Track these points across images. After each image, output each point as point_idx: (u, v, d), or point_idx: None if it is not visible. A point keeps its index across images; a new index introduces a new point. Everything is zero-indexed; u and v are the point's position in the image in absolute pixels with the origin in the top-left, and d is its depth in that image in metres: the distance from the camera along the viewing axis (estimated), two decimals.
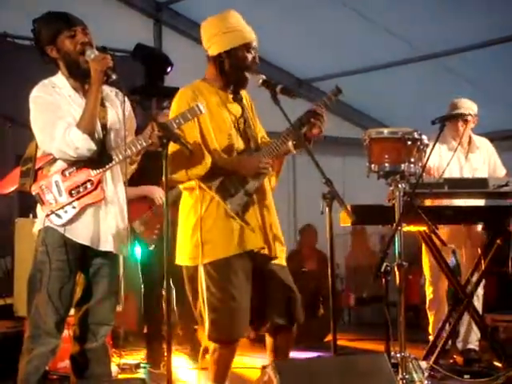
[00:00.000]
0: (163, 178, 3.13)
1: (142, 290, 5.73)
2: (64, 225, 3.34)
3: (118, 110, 3.52)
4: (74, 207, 3.36)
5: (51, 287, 3.34)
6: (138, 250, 5.27)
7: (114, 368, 4.93)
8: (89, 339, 3.46)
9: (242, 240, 3.49)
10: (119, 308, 5.25)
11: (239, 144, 3.60)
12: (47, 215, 3.35)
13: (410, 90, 7.73)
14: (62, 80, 3.44)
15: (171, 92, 7.32)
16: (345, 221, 4.49)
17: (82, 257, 3.41)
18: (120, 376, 4.91)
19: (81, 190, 3.37)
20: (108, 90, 3.53)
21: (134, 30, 7.38)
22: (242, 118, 3.64)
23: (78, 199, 3.36)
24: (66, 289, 3.37)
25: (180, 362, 5.29)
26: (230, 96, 3.64)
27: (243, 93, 3.71)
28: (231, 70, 3.56)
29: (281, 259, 3.63)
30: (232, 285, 3.47)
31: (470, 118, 5.29)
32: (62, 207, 3.35)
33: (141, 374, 5.21)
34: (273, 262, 3.59)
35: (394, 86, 7.72)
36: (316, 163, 3.30)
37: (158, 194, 5.30)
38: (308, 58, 7.79)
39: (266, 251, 3.54)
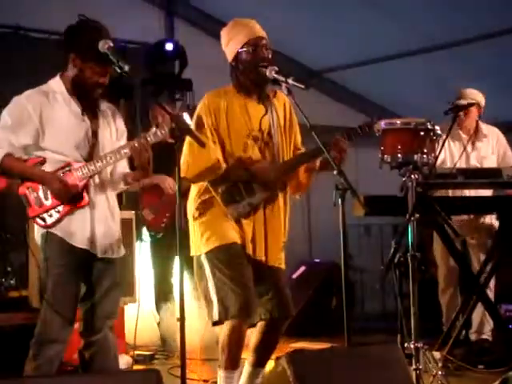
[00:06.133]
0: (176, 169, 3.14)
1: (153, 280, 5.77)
2: (48, 227, 3.37)
3: (111, 126, 3.56)
4: (58, 211, 3.38)
5: (54, 293, 3.38)
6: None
7: (128, 359, 4.96)
8: (94, 333, 3.50)
9: (241, 233, 3.57)
10: (132, 298, 5.28)
11: (255, 154, 3.63)
12: (33, 218, 3.39)
13: (423, 80, 7.69)
14: (59, 84, 3.45)
15: (183, 83, 7.31)
16: (358, 212, 4.48)
17: (83, 259, 3.44)
18: (134, 367, 4.92)
19: None
20: (105, 107, 3.57)
21: (146, 22, 7.37)
22: (266, 125, 3.66)
23: (63, 203, 3.38)
24: (69, 293, 3.41)
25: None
26: (255, 101, 3.67)
27: (282, 97, 3.73)
28: (245, 71, 3.61)
29: (276, 261, 3.67)
30: (236, 265, 3.52)
31: (472, 108, 5.26)
32: (47, 211, 3.38)
33: (155, 365, 5.24)
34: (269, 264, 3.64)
35: (407, 76, 7.68)
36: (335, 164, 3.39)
37: (167, 182, 5.31)
38: (319, 49, 7.76)
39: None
